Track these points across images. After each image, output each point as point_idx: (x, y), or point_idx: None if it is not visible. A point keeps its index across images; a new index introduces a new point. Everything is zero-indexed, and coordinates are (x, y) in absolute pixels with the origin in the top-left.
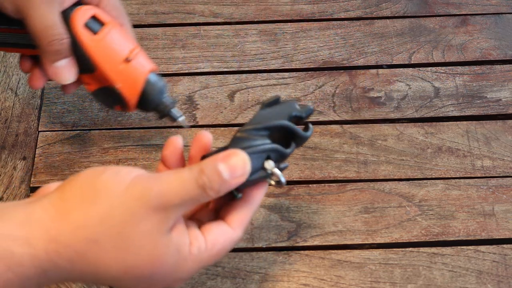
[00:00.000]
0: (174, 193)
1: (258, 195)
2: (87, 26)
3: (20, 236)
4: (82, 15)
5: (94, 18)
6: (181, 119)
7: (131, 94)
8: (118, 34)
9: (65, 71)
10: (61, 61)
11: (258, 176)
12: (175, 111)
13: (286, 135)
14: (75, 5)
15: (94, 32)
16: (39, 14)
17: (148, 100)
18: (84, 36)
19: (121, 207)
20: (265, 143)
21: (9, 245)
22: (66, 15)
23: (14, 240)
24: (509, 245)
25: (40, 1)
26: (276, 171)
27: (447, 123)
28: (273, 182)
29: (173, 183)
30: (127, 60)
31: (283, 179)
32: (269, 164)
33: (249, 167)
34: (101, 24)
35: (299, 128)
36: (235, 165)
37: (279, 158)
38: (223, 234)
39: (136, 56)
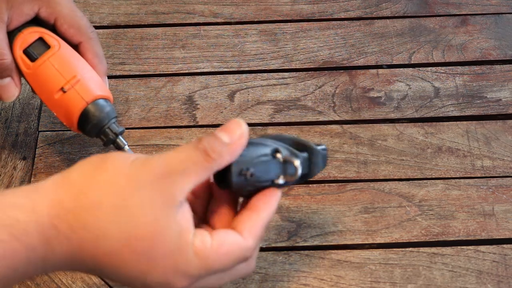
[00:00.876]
0: (175, 158)
1: (269, 203)
2: (26, 52)
3: (26, 204)
4: (23, 40)
5: (40, 40)
6: (126, 148)
7: (68, 123)
8: (60, 60)
9: (2, 90)
10: (1, 80)
11: (266, 159)
12: (121, 140)
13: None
14: (27, 24)
15: (32, 59)
16: None
17: (87, 128)
18: (21, 63)
19: (126, 175)
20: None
21: (16, 213)
22: (12, 37)
23: (20, 208)
24: (509, 245)
25: None
26: (288, 157)
27: (447, 123)
28: (281, 182)
29: (174, 152)
30: (62, 91)
31: (299, 171)
32: (279, 153)
33: (245, 126)
34: (47, 47)
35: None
36: (231, 128)
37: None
38: (231, 238)
39: (75, 85)
